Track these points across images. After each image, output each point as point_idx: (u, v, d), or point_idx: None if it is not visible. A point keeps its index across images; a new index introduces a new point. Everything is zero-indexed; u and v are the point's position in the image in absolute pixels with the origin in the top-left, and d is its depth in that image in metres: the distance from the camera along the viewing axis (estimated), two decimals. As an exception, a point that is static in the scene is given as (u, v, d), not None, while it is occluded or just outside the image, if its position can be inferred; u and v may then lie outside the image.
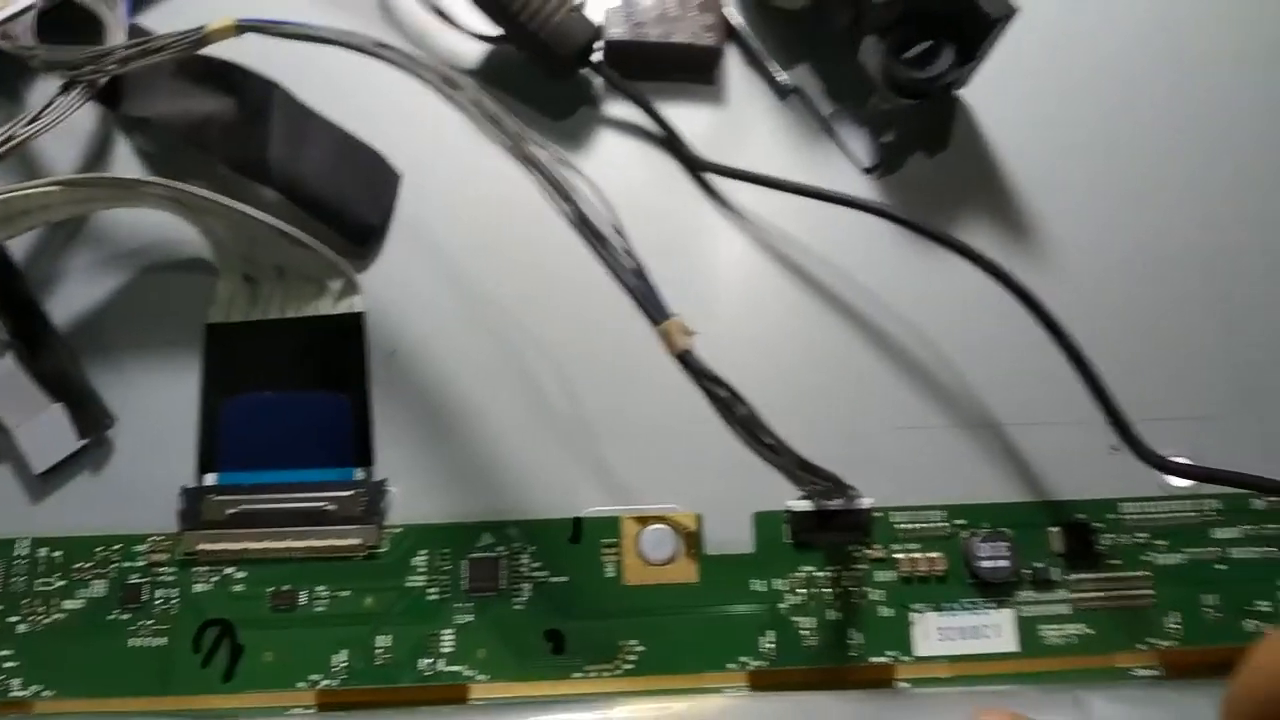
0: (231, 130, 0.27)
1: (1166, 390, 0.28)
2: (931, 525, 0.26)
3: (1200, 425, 0.27)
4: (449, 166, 0.29)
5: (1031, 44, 0.29)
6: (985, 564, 0.26)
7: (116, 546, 0.25)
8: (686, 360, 0.21)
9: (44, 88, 0.29)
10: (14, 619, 0.25)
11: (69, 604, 0.25)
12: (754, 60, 0.30)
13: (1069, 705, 0.22)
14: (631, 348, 0.27)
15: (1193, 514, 0.27)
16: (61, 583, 0.25)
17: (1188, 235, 0.29)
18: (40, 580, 0.25)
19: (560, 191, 0.22)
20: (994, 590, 0.26)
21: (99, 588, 0.25)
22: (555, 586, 0.25)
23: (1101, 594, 0.26)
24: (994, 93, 0.29)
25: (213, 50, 0.26)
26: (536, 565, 0.26)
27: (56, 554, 0.25)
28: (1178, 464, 0.25)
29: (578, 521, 0.26)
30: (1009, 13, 0.26)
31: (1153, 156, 0.30)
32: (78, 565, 0.25)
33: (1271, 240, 0.29)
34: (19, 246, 0.27)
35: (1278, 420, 0.27)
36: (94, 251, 0.28)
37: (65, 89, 0.26)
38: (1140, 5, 0.31)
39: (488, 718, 0.22)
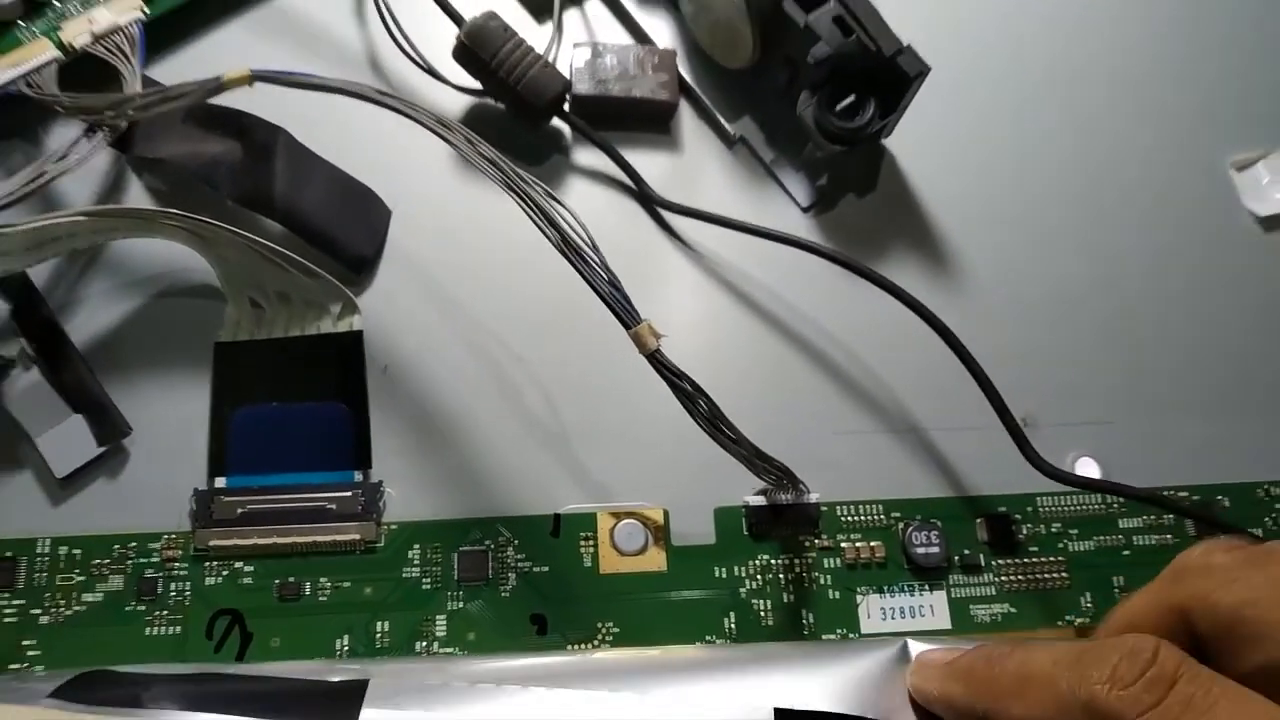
0: (238, 169, 0.30)
1: (1071, 400, 0.31)
2: (872, 518, 0.29)
3: (1101, 429, 0.31)
4: (433, 203, 0.32)
5: (946, 97, 0.34)
6: (920, 551, 0.29)
7: (132, 544, 0.27)
8: (657, 358, 0.24)
9: (61, 132, 0.31)
10: (36, 611, 0.26)
11: (88, 597, 0.27)
12: (704, 112, 0.34)
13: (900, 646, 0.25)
14: (604, 361, 0.30)
15: (1099, 507, 0.30)
16: (81, 578, 0.27)
17: (1085, 263, 0.33)
18: (61, 576, 0.27)
19: (547, 218, 0.25)
20: (928, 574, 0.29)
21: (116, 582, 0.27)
22: (538, 575, 0.28)
23: (1022, 577, 0.29)
24: (914, 140, 0.34)
25: (223, 98, 0.28)
26: (521, 557, 0.28)
27: (76, 551, 0.27)
28: (1058, 470, 0.29)
29: (557, 517, 0.29)
30: (923, 70, 0.30)
31: (1052, 190, 0.34)
32: (96, 561, 0.27)
33: (1156, 264, 0.33)
34: (41, 273, 0.29)
35: (1166, 424, 0.31)
36: (111, 278, 0.30)
37: (88, 132, 0.29)
38: (1043, 63, 0.36)
39: (481, 664, 0.25)
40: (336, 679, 0.23)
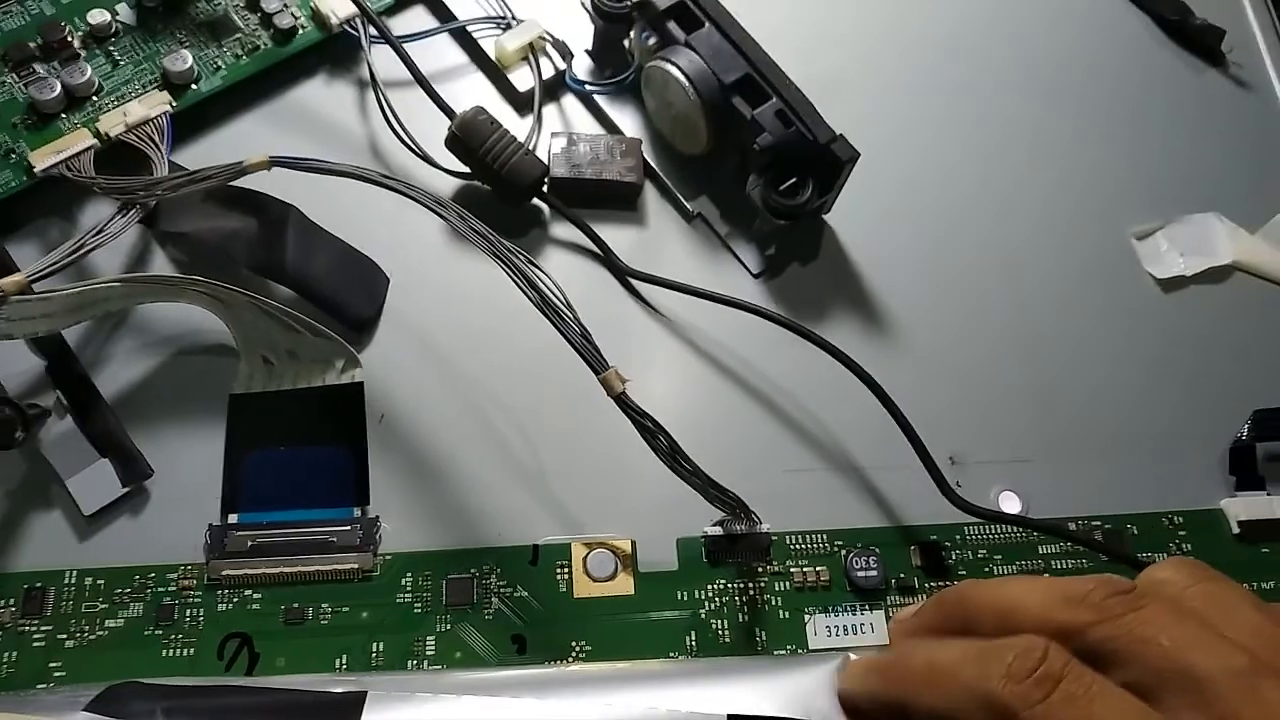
0: (253, 242, 0.33)
1: (995, 440, 0.35)
2: (817, 545, 0.32)
3: (1021, 466, 0.35)
4: (427, 271, 0.35)
5: (877, 176, 0.38)
6: (860, 575, 0.32)
7: (152, 574, 0.30)
8: (623, 400, 0.28)
9: (94, 210, 0.35)
10: (62, 636, 0.29)
11: (110, 623, 0.29)
12: (666, 192, 0.38)
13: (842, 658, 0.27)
14: (578, 408, 0.33)
15: (1020, 535, 0.33)
16: (104, 605, 0.29)
17: (1006, 319, 0.37)
18: (86, 604, 0.29)
19: (528, 282, 0.29)
20: (868, 595, 0.32)
21: (137, 609, 0.29)
22: (518, 600, 0.31)
23: (954, 600, 0.33)
24: (851, 214, 0.38)
25: (240, 180, 0.32)
26: (503, 584, 0.31)
27: (100, 582, 0.30)
28: (972, 505, 0.32)
29: (536, 548, 0.31)
30: (854, 156, 0.34)
31: (975, 254, 0.38)
32: (118, 590, 0.30)
33: (1069, 321, 0.37)
34: (73, 333, 0.32)
35: (1079, 461, 0.35)
36: (136, 338, 0.33)
37: (121, 210, 0.33)
38: (965, 140, 0.40)
39: (468, 675, 0.28)
40: (339, 690, 0.26)
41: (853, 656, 0.27)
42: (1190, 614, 0.21)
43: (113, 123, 0.34)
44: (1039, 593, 0.23)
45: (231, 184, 0.33)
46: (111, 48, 0.36)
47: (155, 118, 0.35)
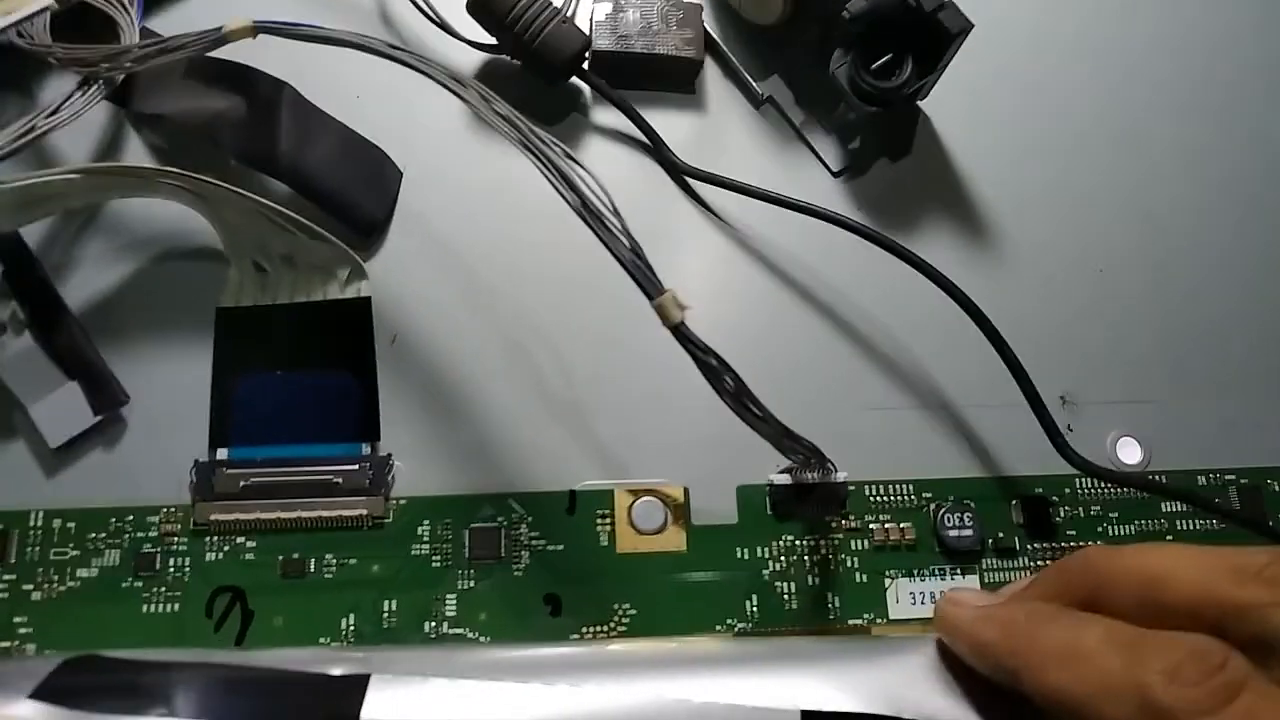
0: (242, 126, 0.29)
1: (1114, 377, 0.30)
2: (901, 498, 0.28)
3: (1145, 408, 0.30)
4: (447, 164, 0.31)
5: (986, 58, 0.32)
6: (952, 534, 0.28)
7: (129, 517, 0.26)
8: (681, 331, 0.23)
9: (56, 84, 0.30)
10: (28, 587, 0.25)
11: (83, 573, 0.26)
12: (731, 71, 0.33)
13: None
14: (623, 332, 0.29)
15: (1143, 494, 0.29)
16: (76, 553, 0.26)
17: (1130, 234, 0.32)
18: (55, 550, 0.26)
19: (566, 181, 0.24)
20: (960, 558, 0.28)
21: (112, 557, 0.26)
22: (552, 554, 0.27)
23: (1058, 562, 0.28)
24: (952, 103, 0.32)
25: (224, 51, 0.27)
26: (535, 535, 0.27)
27: (70, 525, 0.26)
28: (1083, 459, 0.27)
29: (573, 494, 0.27)
30: (966, 28, 0.28)
31: (1097, 162, 0.33)
32: (91, 535, 0.26)
33: (1205, 238, 0.32)
34: (34, 233, 0.28)
35: (1213, 402, 0.30)
36: (108, 240, 0.29)
37: (82, 85, 0.28)
38: (1085, 21, 0.34)
39: (490, 654, 0.24)
40: (337, 671, 0.22)
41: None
42: None
43: (73, -21, 0.29)
44: (1197, 563, 0.19)
45: (215, 57, 0.28)
46: (70, -114, 0.30)
47: (123, -27, 0.29)
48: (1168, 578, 0.19)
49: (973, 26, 0.28)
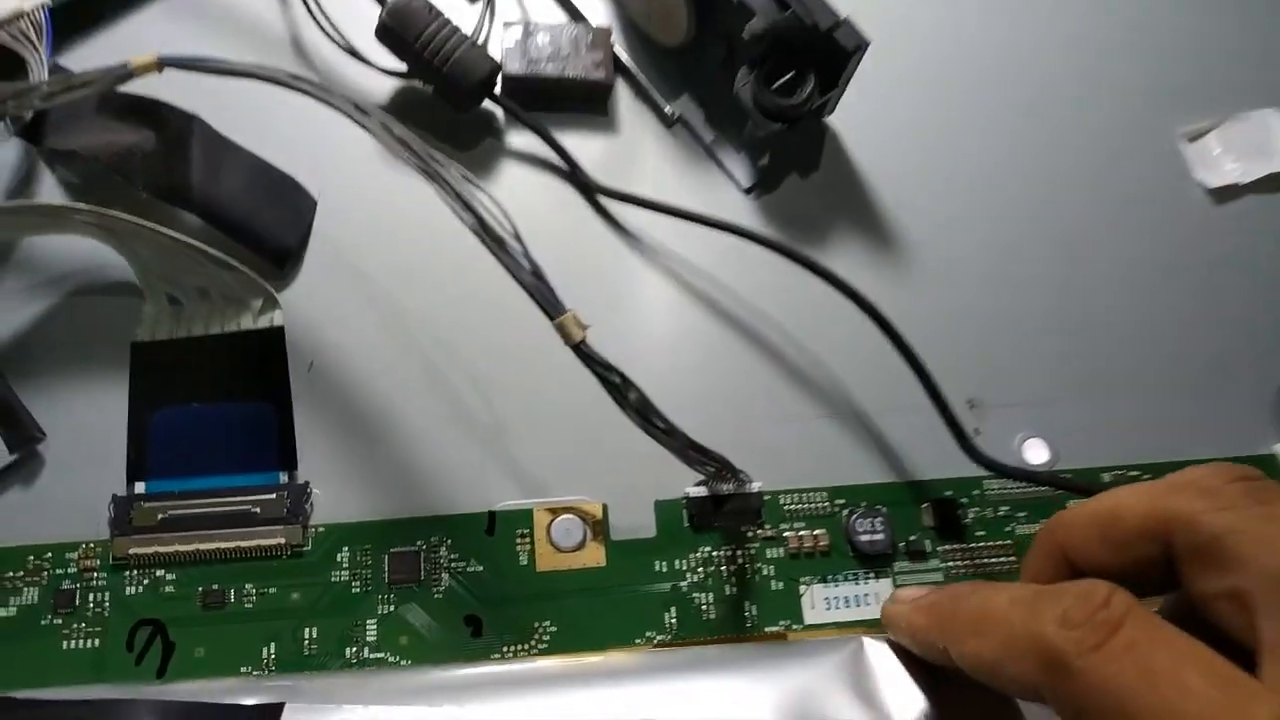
0: (153, 160, 0.29)
1: (1020, 380, 0.31)
2: (815, 506, 0.29)
3: (1050, 409, 0.30)
4: (361, 191, 0.31)
5: (888, 71, 0.33)
6: (864, 539, 0.28)
7: (48, 555, 0.26)
8: (582, 349, 0.23)
9: (-34, 125, 0.30)
10: (-55, 628, 0.26)
11: (1, 612, 0.26)
12: (641, 92, 0.33)
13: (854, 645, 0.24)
14: (538, 352, 0.29)
15: (1047, 489, 0.30)
16: (-7, 591, 0.26)
17: (1033, 240, 0.32)
18: (-28, 590, 0.26)
19: (463, 203, 0.24)
20: (873, 562, 0.28)
21: (31, 595, 0.26)
22: (472, 575, 0.27)
23: (969, 562, 0.29)
24: (857, 117, 0.33)
25: (134, 86, 0.27)
26: (454, 557, 0.27)
27: (-13, 564, 0.26)
28: (990, 459, 0.28)
29: (492, 515, 0.28)
30: (863, 44, 0.29)
31: (999, 167, 0.33)
32: (9, 574, 0.26)
33: (1106, 244, 0.33)
34: (-55, 274, 0.28)
35: (1116, 402, 0.31)
36: (20, 277, 0.29)
37: (-10, 124, 0.28)
38: (989, 34, 0.35)
39: (409, 678, 0.24)
40: (251, 702, 0.23)
41: (868, 641, 0.24)
42: None
43: (-21, 18, 0.29)
44: (1142, 490, 0.20)
45: (128, 92, 0.28)
46: (-26, -75, 0.30)
47: (30, 11, 0.30)
48: (1118, 510, 0.21)
49: (869, 43, 0.29)
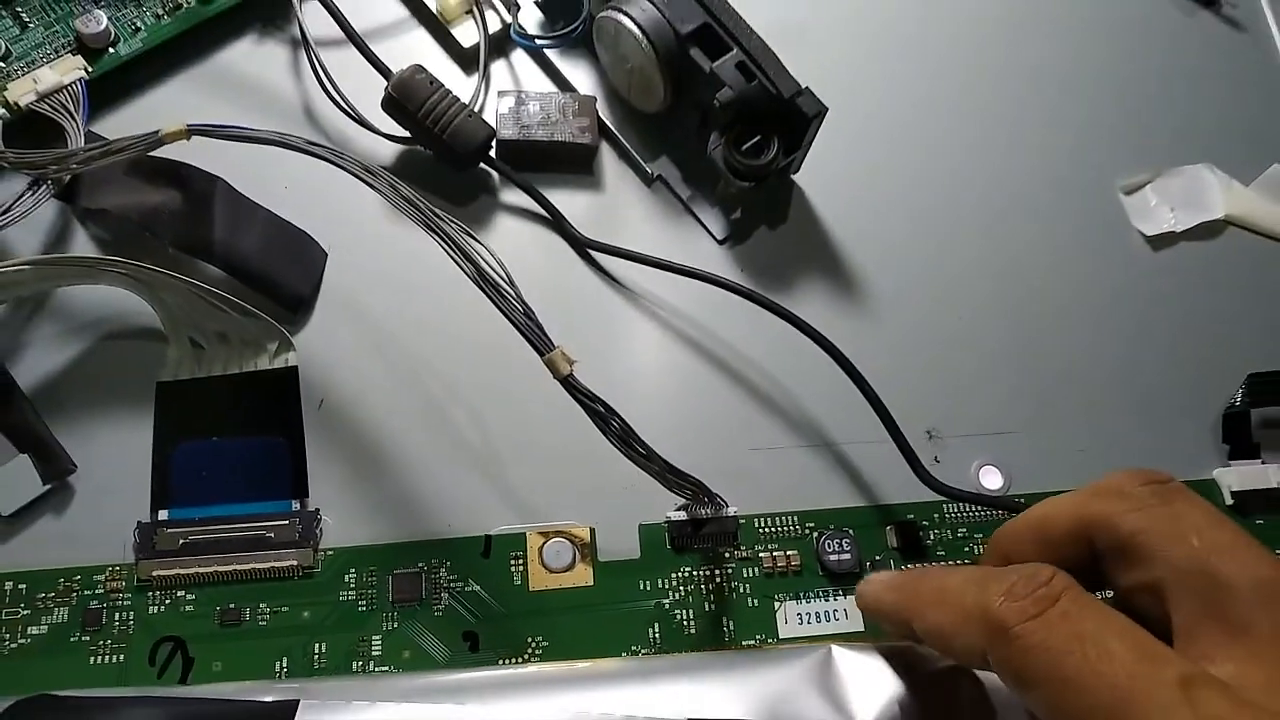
0: (179, 217, 0.31)
1: (975, 412, 0.33)
2: (787, 528, 0.31)
3: (1004, 438, 0.33)
4: (368, 244, 0.33)
5: (847, 132, 0.36)
6: (833, 558, 0.30)
7: (77, 577, 0.28)
8: (570, 382, 0.26)
9: (7, 185, 0.32)
10: (-18, 646, 0.27)
11: (34, 630, 0.28)
12: (624, 154, 0.36)
13: (824, 654, 0.27)
14: (531, 388, 0.31)
15: (1002, 512, 0.32)
16: (26, 611, 0.28)
17: (986, 282, 0.35)
18: (7, 610, 0.28)
19: (463, 254, 0.27)
20: (841, 580, 0.30)
21: (61, 614, 0.28)
22: (470, 594, 0.29)
23: (932, 581, 0.31)
24: (820, 174, 0.36)
25: (163, 151, 0.30)
26: (453, 577, 0.29)
27: (21, 586, 0.28)
28: (943, 484, 0.31)
29: (488, 538, 0.30)
30: (822, 111, 0.32)
31: (952, 216, 0.36)
32: (41, 595, 0.28)
33: (1055, 280, 0.35)
34: (-13, 322, 0.31)
35: (1064, 430, 0.33)
36: (56, 323, 0.31)
37: (33, 185, 0.30)
38: (940, 94, 0.38)
39: (412, 681, 0.26)
40: (269, 699, 0.25)
41: (837, 649, 0.26)
42: (1226, 520, 0.21)
43: (22, 91, 0.32)
44: (1070, 498, 0.23)
45: (155, 156, 0.31)
46: (19, 8, 0.34)
47: (69, 85, 0.32)
48: (1048, 517, 0.23)
49: (827, 110, 0.32)
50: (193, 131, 0.29)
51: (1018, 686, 0.20)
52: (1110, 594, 0.22)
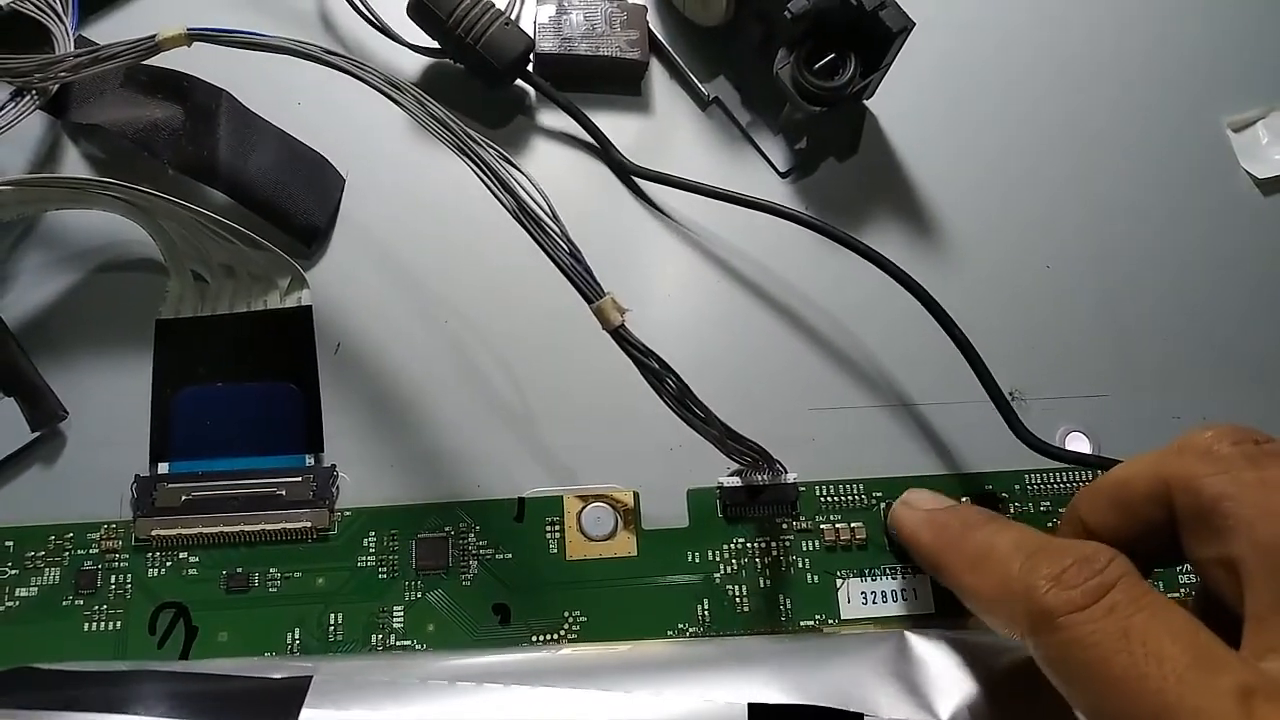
0: (180, 135, 0.28)
1: (1062, 373, 0.30)
2: (852, 498, 0.28)
3: (1093, 403, 0.30)
4: (390, 169, 0.30)
5: (932, 55, 0.32)
6: (901, 532, 0.28)
7: (69, 535, 0.26)
8: (621, 334, 0.23)
9: (-9, 96, 0.29)
10: (-35, 608, 0.25)
11: (22, 592, 0.25)
12: (676, 72, 0.32)
13: (896, 639, 0.24)
14: (571, 337, 0.28)
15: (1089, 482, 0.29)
16: (14, 571, 0.26)
17: (1078, 230, 0.32)
18: (-8, 569, 0.26)
19: (501, 184, 0.23)
20: (910, 556, 0.28)
21: (52, 575, 0.26)
22: (501, 563, 0.27)
23: (1008, 558, 0.28)
24: (899, 101, 0.32)
25: (161, 59, 0.27)
26: (482, 544, 0.27)
27: (9, 543, 0.26)
28: (1048, 445, 0.28)
29: (521, 501, 0.27)
30: (908, 26, 0.28)
31: (1044, 156, 0.33)
32: (30, 554, 0.26)
33: (1150, 234, 0.32)
34: (-33, 248, 0.28)
35: (1160, 396, 0.30)
36: (44, 252, 0.28)
37: (15, 96, 0.27)
38: (1035, 22, 0.34)
39: (435, 662, 0.24)
40: (279, 675, 0.22)
41: (910, 635, 0.24)
42: None
43: (3, -13, 0.28)
44: (1151, 456, 0.21)
45: (153, 65, 0.28)
46: (0, -107, 0.30)
47: (56, -19, 0.29)
48: (1127, 476, 0.21)
49: (914, 24, 0.28)
50: (194, 37, 0.26)
51: (1057, 680, 0.18)
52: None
